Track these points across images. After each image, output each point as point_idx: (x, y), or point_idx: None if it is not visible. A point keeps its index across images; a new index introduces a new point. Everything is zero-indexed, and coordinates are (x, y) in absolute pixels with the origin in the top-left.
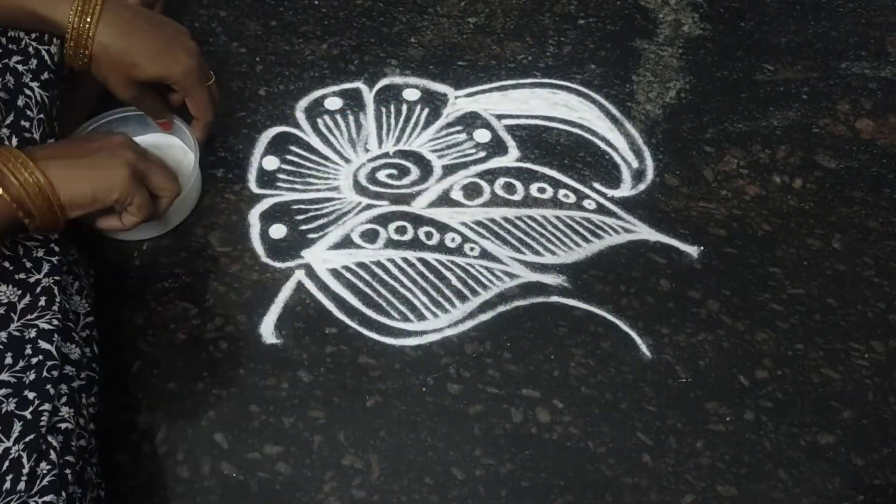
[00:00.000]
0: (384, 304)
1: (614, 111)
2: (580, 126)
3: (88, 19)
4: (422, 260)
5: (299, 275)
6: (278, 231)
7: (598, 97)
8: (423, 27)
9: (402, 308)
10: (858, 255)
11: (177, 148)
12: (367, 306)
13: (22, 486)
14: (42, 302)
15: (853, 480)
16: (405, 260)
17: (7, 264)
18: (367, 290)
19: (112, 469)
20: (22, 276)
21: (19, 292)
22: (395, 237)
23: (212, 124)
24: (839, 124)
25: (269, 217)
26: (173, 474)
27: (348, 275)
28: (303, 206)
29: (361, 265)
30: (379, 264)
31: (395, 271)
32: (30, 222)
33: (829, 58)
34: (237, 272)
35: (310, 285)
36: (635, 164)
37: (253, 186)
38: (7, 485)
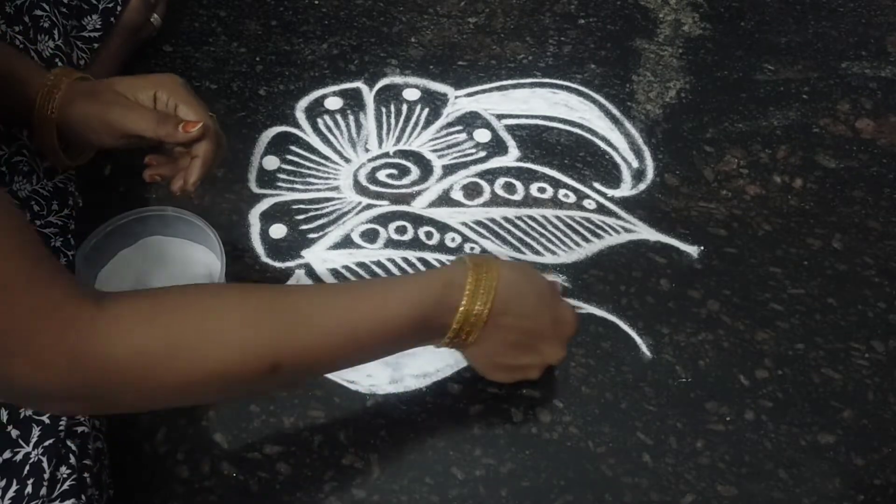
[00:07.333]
0: None
1: (614, 111)
2: (580, 126)
3: (52, 93)
4: (422, 260)
5: (299, 275)
6: (278, 231)
7: (598, 97)
8: (423, 27)
9: None
10: (859, 254)
11: (199, 252)
12: None
13: (43, 490)
14: None
15: (853, 480)
16: (405, 260)
17: None
18: None
19: (113, 469)
20: None
21: None
22: (396, 237)
23: (215, 137)
24: (839, 124)
25: (269, 217)
26: (173, 474)
27: (348, 275)
28: (303, 206)
29: (362, 265)
30: (379, 264)
31: (395, 271)
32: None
33: (829, 58)
34: (237, 272)
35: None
36: (635, 164)
37: (253, 186)
38: (29, 489)
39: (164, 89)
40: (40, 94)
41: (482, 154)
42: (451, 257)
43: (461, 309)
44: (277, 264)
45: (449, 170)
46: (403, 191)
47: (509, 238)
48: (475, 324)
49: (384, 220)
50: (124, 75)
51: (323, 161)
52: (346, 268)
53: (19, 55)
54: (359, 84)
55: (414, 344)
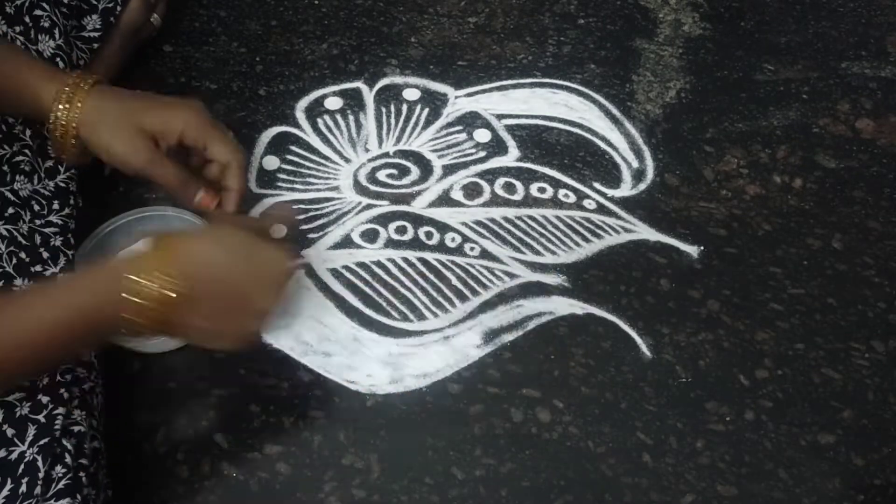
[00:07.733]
0: (384, 304)
1: (614, 111)
2: (580, 126)
3: (69, 106)
4: (422, 260)
5: (299, 275)
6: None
7: (598, 97)
8: (423, 27)
9: (402, 308)
10: (858, 254)
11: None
12: (368, 306)
13: (38, 489)
14: None
15: (853, 480)
16: (405, 260)
17: (23, 255)
18: (367, 289)
19: (112, 469)
20: (38, 268)
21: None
22: (396, 237)
23: (246, 168)
24: (839, 124)
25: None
26: (173, 474)
27: (348, 275)
28: (303, 206)
29: (361, 265)
30: (379, 264)
31: (395, 271)
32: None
33: (829, 58)
34: None
35: (310, 285)
36: (635, 164)
37: (253, 186)
38: (23, 488)
39: (190, 128)
40: (56, 104)
41: (482, 154)
42: (452, 257)
43: (137, 291)
44: None
45: (449, 170)
46: (403, 191)
47: (509, 238)
48: (164, 302)
49: (384, 220)
50: (123, 77)
51: (323, 161)
52: (346, 268)
53: (29, 61)
54: (359, 84)
55: (97, 339)
